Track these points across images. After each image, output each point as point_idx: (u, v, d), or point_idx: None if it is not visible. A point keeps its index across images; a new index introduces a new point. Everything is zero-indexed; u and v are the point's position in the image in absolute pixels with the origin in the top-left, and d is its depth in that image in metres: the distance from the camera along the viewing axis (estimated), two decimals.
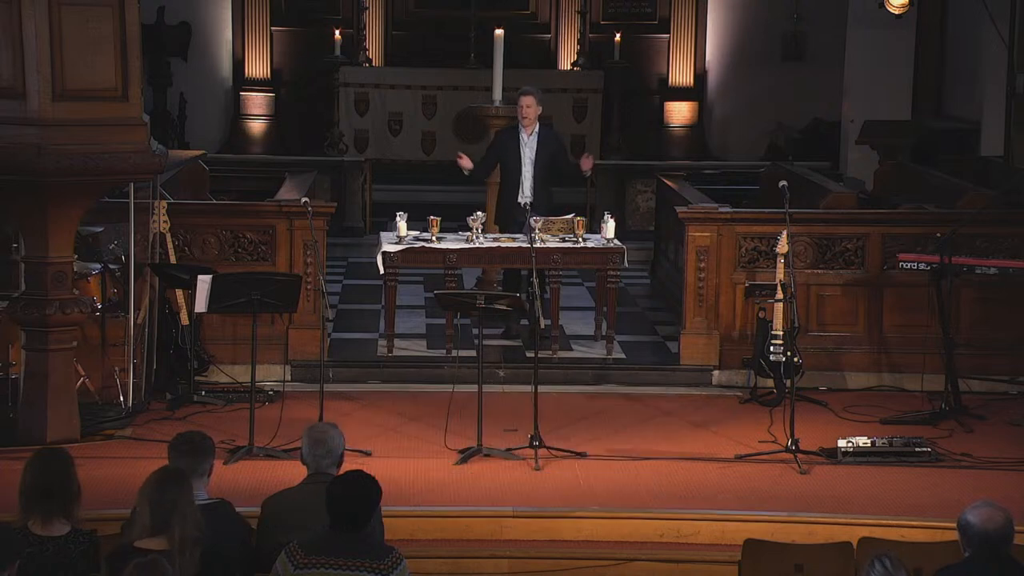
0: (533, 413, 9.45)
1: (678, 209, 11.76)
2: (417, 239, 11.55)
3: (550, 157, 12.04)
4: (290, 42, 20.31)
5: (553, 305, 11.53)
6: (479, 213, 11.73)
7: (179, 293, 10.75)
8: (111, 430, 9.81)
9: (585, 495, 8.84)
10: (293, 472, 6.93)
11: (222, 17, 20.03)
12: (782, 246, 10.53)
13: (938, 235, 10.66)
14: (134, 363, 10.23)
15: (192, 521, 6.05)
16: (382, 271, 11.42)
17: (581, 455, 9.48)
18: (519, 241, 11.52)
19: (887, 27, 16.67)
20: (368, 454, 9.36)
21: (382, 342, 11.78)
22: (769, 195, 12.79)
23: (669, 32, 20.28)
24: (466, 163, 12.13)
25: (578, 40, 19.99)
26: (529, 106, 11.96)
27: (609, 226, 11.61)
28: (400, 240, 11.47)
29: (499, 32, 13.56)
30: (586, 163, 12.11)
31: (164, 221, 10.73)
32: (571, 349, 11.93)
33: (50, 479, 6.23)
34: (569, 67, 19.85)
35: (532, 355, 9.95)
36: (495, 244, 11.60)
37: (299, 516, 6.48)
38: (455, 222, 12.08)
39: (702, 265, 11.34)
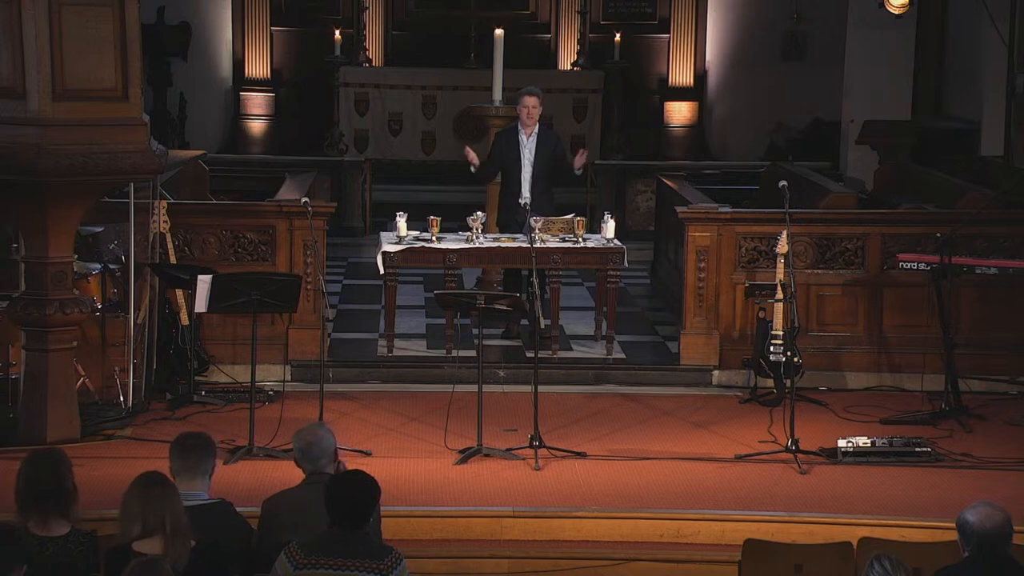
0: (533, 413, 9.45)
1: (678, 209, 11.76)
2: (417, 239, 11.55)
3: (549, 157, 12.03)
4: (290, 42, 20.30)
5: (553, 305, 11.53)
6: (479, 213, 11.73)
7: (179, 293, 10.75)
8: (111, 430, 9.82)
9: (585, 495, 8.84)
10: (293, 472, 6.93)
11: (222, 17, 20.02)
12: (782, 246, 10.52)
13: (938, 235, 10.66)
14: (134, 363, 10.23)
15: (181, 517, 6.03)
16: (382, 271, 11.42)
17: (581, 455, 9.48)
18: (519, 241, 11.52)
19: (887, 27, 16.65)
20: (368, 454, 9.37)
21: (382, 342, 11.78)
22: (769, 195, 12.79)
23: (669, 32, 20.28)
24: (473, 157, 12.09)
25: (578, 40, 19.99)
26: (534, 106, 11.95)
27: (609, 226, 11.60)
28: (400, 240, 11.47)
29: (499, 32, 13.56)
30: (579, 160, 12.07)
31: (164, 221, 10.73)
32: (571, 349, 11.93)
33: (44, 480, 6.21)
34: (569, 67, 19.86)
35: (532, 355, 9.96)
36: (495, 244, 11.60)
37: (299, 516, 6.48)
38: (455, 222, 12.08)
39: (702, 265, 11.34)
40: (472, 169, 12.21)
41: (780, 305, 10.65)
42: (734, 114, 20.29)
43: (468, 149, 12.24)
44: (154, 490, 6.07)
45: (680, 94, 20.31)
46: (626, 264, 11.70)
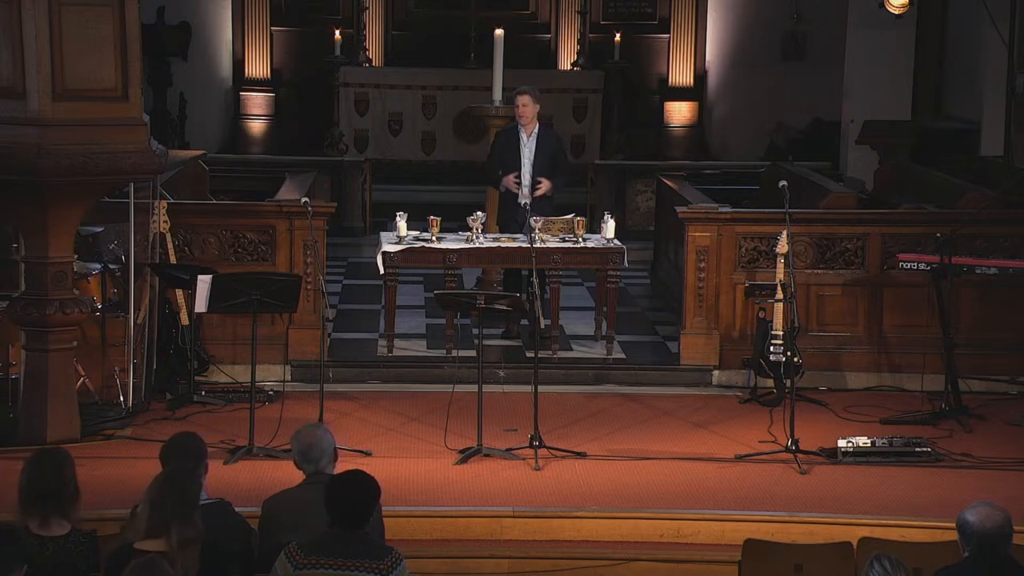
0: (533, 413, 9.45)
1: (678, 209, 11.76)
2: (417, 239, 11.55)
3: (550, 157, 12.03)
4: (290, 42, 20.31)
5: (553, 305, 11.53)
6: (479, 213, 11.73)
7: (179, 293, 10.75)
8: (111, 430, 9.81)
9: (585, 495, 8.84)
10: (293, 472, 6.93)
11: (222, 17, 20.02)
12: (782, 246, 10.52)
13: (938, 235, 10.66)
14: (134, 363, 10.23)
15: (192, 522, 6.02)
16: (382, 271, 11.42)
17: (581, 455, 9.48)
18: (519, 241, 11.52)
19: (887, 27, 16.65)
20: (368, 454, 9.37)
21: (382, 342, 11.78)
22: (769, 195, 12.79)
23: (669, 32, 20.28)
24: (513, 186, 11.89)
25: (578, 40, 19.99)
26: (525, 105, 11.94)
27: (609, 226, 11.60)
28: (400, 240, 11.47)
29: (499, 32, 13.56)
30: (538, 190, 11.91)
31: (164, 221, 10.73)
32: (571, 349, 11.93)
33: (47, 480, 6.21)
34: (569, 67, 19.86)
35: (532, 355, 9.95)
36: (495, 244, 11.60)
37: (299, 516, 6.47)
38: (455, 222, 12.07)
39: (702, 265, 11.34)
40: (501, 188, 12.04)
41: (780, 305, 10.65)
42: (734, 114, 20.29)
43: (510, 179, 11.91)
44: (170, 489, 6.05)
45: (680, 94, 20.31)
46: (626, 264, 11.70)
